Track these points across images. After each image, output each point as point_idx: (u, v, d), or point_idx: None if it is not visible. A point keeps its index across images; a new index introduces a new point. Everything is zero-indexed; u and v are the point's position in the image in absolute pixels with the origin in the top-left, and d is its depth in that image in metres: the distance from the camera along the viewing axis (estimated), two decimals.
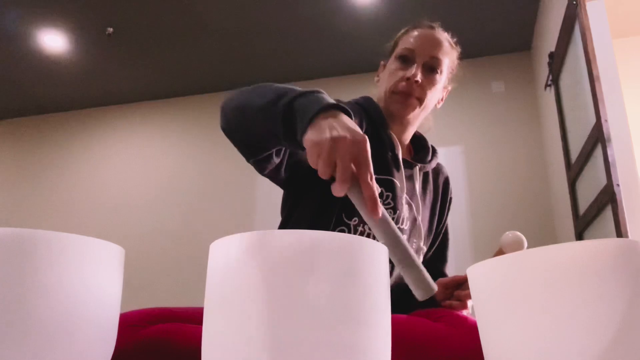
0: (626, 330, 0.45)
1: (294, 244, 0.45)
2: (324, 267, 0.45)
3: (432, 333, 0.85)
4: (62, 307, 0.47)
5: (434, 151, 1.24)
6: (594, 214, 2.64)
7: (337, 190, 0.65)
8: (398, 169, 1.10)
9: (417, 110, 1.13)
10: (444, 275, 1.24)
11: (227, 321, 0.45)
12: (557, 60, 3.20)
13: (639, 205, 2.39)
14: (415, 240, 1.13)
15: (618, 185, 2.29)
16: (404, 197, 1.09)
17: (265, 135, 0.83)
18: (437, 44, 1.13)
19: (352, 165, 0.66)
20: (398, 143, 1.13)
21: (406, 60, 1.12)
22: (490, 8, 3.66)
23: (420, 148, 1.23)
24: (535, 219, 3.81)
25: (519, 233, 0.98)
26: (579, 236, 3.01)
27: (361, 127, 1.07)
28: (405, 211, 1.08)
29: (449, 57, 1.16)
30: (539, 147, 4.00)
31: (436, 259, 1.24)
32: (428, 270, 1.20)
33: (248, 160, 0.94)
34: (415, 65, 1.11)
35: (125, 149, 4.81)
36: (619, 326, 0.44)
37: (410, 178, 1.14)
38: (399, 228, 1.08)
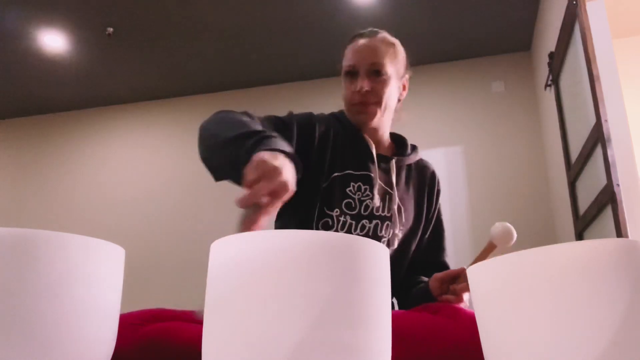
0: (626, 330, 0.45)
1: (294, 244, 0.45)
2: (324, 267, 0.45)
3: (430, 326, 0.86)
4: (62, 307, 0.47)
5: (414, 147, 1.34)
6: (594, 214, 2.64)
7: (240, 200, 0.77)
8: (373, 163, 1.22)
9: (379, 115, 1.22)
10: (442, 263, 1.30)
11: (227, 321, 0.45)
12: (557, 60, 3.20)
13: (639, 205, 2.39)
14: (389, 224, 1.20)
15: (618, 185, 2.29)
16: (376, 188, 1.20)
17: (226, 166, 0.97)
18: (373, 51, 1.21)
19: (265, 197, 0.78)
20: (371, 142, 1.23)
21: (352, 74, 1.22)
22: (490, 8, 3.66)
23: (400, 145, 1.33)
24: (535, 219, 3.81)
25: (508, 224, 1.00)
26: (579, 236, 3.01)
27: (328, 136, 1.21)
28: (377, 201, 1.19)
29: (388, 55, 1.22)
30: (539, 147, 3.99)
31: (433, 249, 1.31)
32: (426, 259, 1.27)
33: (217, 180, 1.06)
34: (360, 77, 1.20)
35: (125, 149, 4.81)
36: (619, 326, 0.44)
37: (386, 171, 1.24)
38: (375, 215, 1.18)
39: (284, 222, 1.23)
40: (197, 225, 4.23)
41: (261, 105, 3.73)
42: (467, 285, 0.71)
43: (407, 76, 1.32)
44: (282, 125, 1.16)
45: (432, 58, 4.28)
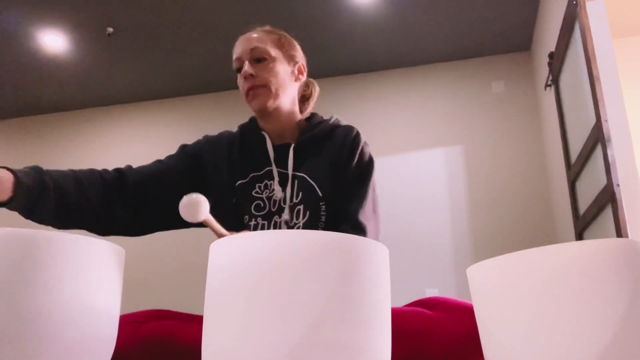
0: (626, 330, 0.45)
1: (294, 244, 0.45)
2: (324, 267, 0.45)
3: (427, 322, 0.86)
4: (62, 307, 0.47)
5: (325, 120, 1.32)
6: (594, 214, 2.64)
7: None
8: (270, 157, 1.24)
9: (271, 96, 1.23)
10: (348, 211, 1.20)
11: (227, 321, 0.45)
12: (557, 60, 3.20)
13: (639, 205, 2.39)
14: (301, 209, 1.20)
15: (618, 185, 2.29)
16: (276, 181, 1.22)
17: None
18: (249, 39, 1.25)
19: None
20: (267, 136, 1.26)
21: (239, 68, 1.25)
22: (490, 8, 3.66)
23: (310, 124, 1.32)
24: (535, 219, 3.81)
25: (195, 195, 0.95)
26: (579, 236, 3.01)
27: (233, 145, 1.28)
28: (279, 192, 1.20)
29: (269, 40, 1.26)
30: (539, 147, 3.99)
31: (342, 202, 1.23)
32: (341, 213, 1.20)
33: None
34: (245, 65, 1.23)
35: (125, 149, 4.81)
36: (619, 326, 0.44)
37: (286, 158, 1.24)
38: (283, 207, 1.19)
39: None
40: (197, 224, 4.22)
41: None
42: None
43: (301, 62, 1.33)
44: (163, 162, 1.26)
45: (432, 58, 4.28)
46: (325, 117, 1.33)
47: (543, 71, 3.64)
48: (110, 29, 3.80)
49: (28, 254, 0.47)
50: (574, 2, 2.64)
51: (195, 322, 0.89)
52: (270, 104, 1.23)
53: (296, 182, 1.21)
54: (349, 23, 3.75)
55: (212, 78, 4.55)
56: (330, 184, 1.22)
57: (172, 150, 1.34)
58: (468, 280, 0.55)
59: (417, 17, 3.76)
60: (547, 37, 3.48)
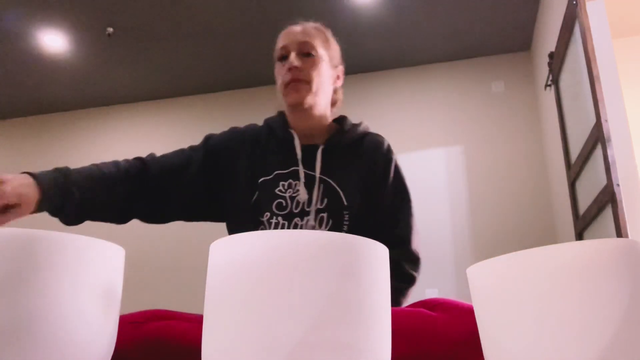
0: (626, 330, 0.45)
1: (294, 244, 0.45)
2: (324, 267, 0.45)
3: (428, 322, 0.86)
4: (62, 307, 0.47)
5: (356, 125, 1.29)
6: (594, 214, 2.64)
7: None
8: (297, 158, 1.21)
9: (311, 94, 1.21)
10: (398, 238, 1.21)
11: (227, 321, 0.45)
12: (557, 60, 3.20)
13: (639, 205, 2.39)
14: (324, 216, 1.17)
15: (618, 185, 2.29)
16: (302, 182, 1.19)
17: None
18: (302, 32, 1.24)
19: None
20: (295, 134, 1.24)
21: (283, 58, 1.24)
22: (490, 8, 3.66)
23: (341, 127, 1.29)
24: (535, 219, 3.81)
25: None
26: (579, 236, 3.01)
27: (258, 141, 1.26)
28: (304, 194, 1.17)
29: (319, 38, 1.25)
30: (539, 147, 3.99)
31: (397, 226, 1.23)
32: (379, 235, 1.18)
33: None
34: (292, 55, 1.21)
35: (125, 148, 4.80)
36: (619, 326, 0.44)
37: (314, 159, 1.21)
38: (306, 211, 1.16)
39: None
40: (197, 224, 4.22)
41: (261, 105, 3.72)
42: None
43: (341, 67, 1.32)
44: (184, 155, 1.26)
45: (432, 58, 4.28)
46: (355, 122, 1.31)
47: (543, 71, 3.64)
48: (110, 29, 3.80)
49: (27, 254, 0.47)
50: (574, 2, 2.64)
51: (195, 322, 0.89)
52: (308, 100, 1.21)
53: (322, 186, 1.19)
54: (349, 23, 3.75)
55: (212, 78, 4.55)
56: (360, 196, 1.20)
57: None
58: (468, 280, 0.55)
59: (417, 17, 3.76)
60: (547, 37, 3.48)
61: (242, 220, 1.20)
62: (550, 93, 3.48)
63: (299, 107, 1.22)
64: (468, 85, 4.24)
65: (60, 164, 1.14)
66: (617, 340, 0.44)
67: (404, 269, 1.21)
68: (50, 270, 0.47)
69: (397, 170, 1.27)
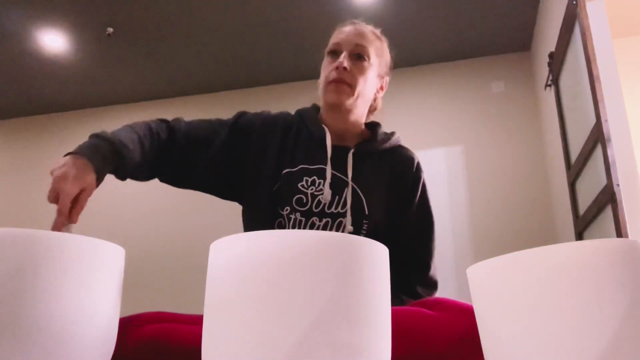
0: (626, 330, 0.44)
1: (293, 244, 0.45)
2: (324, 267, 0.45)
3: (428, 321, 0.86)
4: (62, 307, 0.47)
5: (389, 134, 1.28)
6: (594, 214, 2.64)
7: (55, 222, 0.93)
8: (327, 156, 1.19)
9: (352, 98, 1.19)
10: (418, 262, 1.21)
11: (227, 321, 0.45)
12: (557, 60, 3.20)
13: (639, 205, 2.39)
14: (342, 221, 1.15)
15: (618, 185, 2.29)
16: (327, 182, 1.16)
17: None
18: (360, 34, 1.22)
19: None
20: (327, 132, 1.20)
21: (335, 53, 1.21)
22: (490, 8, 3.66)
23: (373, 134, 1.28)
24: (535, 219, 3.81)
25: None
26: (579, 236, 3.01)
27: (279, 134, 1.23)
28: (328, 196, 1.15)
29: (374, 45, 1.23)
30: (539, 147, 3.99)
31: (418, 249, 1.22)
32: (408, 262, 1.19)
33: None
34: (343, 55, 1.19)
35: None
36: (619, 326, 0.44)
37: (344, 162, 1.19)
38: (326, 213, 1.14)
39: (245, 225, 1.25)
40: (197, 224, 4.23)
41: (261, 105, 3.73)
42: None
43: (387, 78, 1.31)
44: (212, 128, 1.24)
45: (432, 58, 4.28)
46: (387, 131, 1.29)
47: (543, 71, 3.64)
48: (110, 29, 3.80)
49: (27, 254, 0.47)
50: (574, 2, 2.64)
51: (194, 324, 0.89)
52: (347, 103, 1.19)
53: (347, 191, 1.16)
54: None
55: (212, 78, 4.55)
56: (383, 208, 1.18)
57: None
58: (468, 280, 0.54)
59: (417, 17, 3.76)
60: (547, 37, 3.47)
61: (261, 208, 1.17)
62: (550, 93, 3.48)
63: (337, 108, 1.20)
64: (468, 85, 4.24)
65: None
66: (617, 340, 0.44)
67: (417, 293, 1.19)
68: (50, 270, 0.47)
69: (424, 191, 1.26)
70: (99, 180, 1.03)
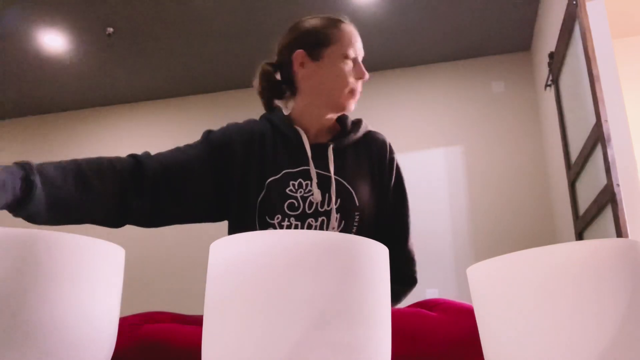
0: (626, 330, 0.44)
1: (294, 244, 0.45)
2: (324, 267, 0.45)
3: (428, 322, 0.86)
4: (61, 307, 0.47)
5: (356, 123, 1.29)
6: (594, 214, 2.64)
7: None
8: (308, 157, 1.19)
9: None
10: (396, 237, 1.23)
11: (227, 321, 0.45)
12: (557, 60, 3.20)
13: (639, 205, 2.39)
14: (338, 216, 1.16)
15: (618, 185, 2.29)
16: (315, 182, 1.16)
17: None
18: (360, 41, 1.31)
19: None
20: (304, 134, 1.21)
21: (353, 58, 1.26)
22: (490, 8, 3.66)
23: (343, 126, 1.29)
24: (535, 219, 3.81)
25: None
26: (579, 236, 3.01)
27: (256, 143, 1.20)
28: (318, 195, 1.15)
29: None
30: (539, 147, 4.00)
31: (396, 226, 1.25)
32: (387, 238, 1.17)
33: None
34: (359, 64, 1.25)
35: (125, 148, 4.80)
36: (619, 326, 0.44)
37: (325, 159, 1.19)
38: (320, 211, 1.15)
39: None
40: (197, 224, 4.22)
41: (261, 105, 3.73)
42: None
43: None
44: (186, 152, 1.16)
45: (432, 58, 4.28)
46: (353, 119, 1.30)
47: (543, 71, 3.64)
48: (110, 29, 3.80)
49: (26, 254, 0.47)
50: (574, 2, 2.64)
51: (194, 324, 0.89)
52: None
53: (334, 186, 1.17)
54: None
55: (212, 78, 4.55)
56: (369, 196, 1.20)
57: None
58: (468, 280, 0.55)
59: (417, 17, 3.76)
60: (547, 37, 3.48)
61: (247, 220, 1.16)
62: (550, 93, 3.48)
63: (341, 111, 1.25)
64: (468, 85, 4.24)
65: None
66: (617, 339, 0.44)
67: (404, 271, 1.22)
68: (49, 270, 0.47)
69: (398, 169, 1.28)
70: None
